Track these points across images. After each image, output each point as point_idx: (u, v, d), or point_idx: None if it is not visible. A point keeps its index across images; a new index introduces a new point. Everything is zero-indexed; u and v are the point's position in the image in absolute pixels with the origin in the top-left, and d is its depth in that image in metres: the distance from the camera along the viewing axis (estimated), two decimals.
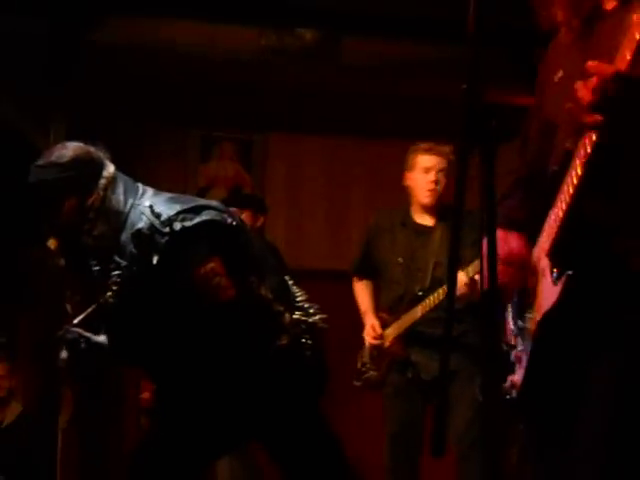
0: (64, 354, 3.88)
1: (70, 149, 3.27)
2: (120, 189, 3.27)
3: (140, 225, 3.17)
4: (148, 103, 6.42)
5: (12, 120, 5.93)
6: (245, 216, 5.23)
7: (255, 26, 6.10)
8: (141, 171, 5.19)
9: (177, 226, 3.14)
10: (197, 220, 3.19)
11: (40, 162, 3.26)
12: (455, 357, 3.88)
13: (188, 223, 3.17)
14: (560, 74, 2.04)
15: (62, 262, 4.59)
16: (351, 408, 6.35)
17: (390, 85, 6.41)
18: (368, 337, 4.87)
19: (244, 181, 6.86)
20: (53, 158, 3.24)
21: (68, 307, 4.45)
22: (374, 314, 4.91)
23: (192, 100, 6.33)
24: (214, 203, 3.40)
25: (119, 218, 3.22)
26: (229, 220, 3.29)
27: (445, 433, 1.64)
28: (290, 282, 3.56)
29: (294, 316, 3.39)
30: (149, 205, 3.25)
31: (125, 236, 3.20)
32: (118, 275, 3.21)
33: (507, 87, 5.07)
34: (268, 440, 3.54)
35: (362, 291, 5.07)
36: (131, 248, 3.19)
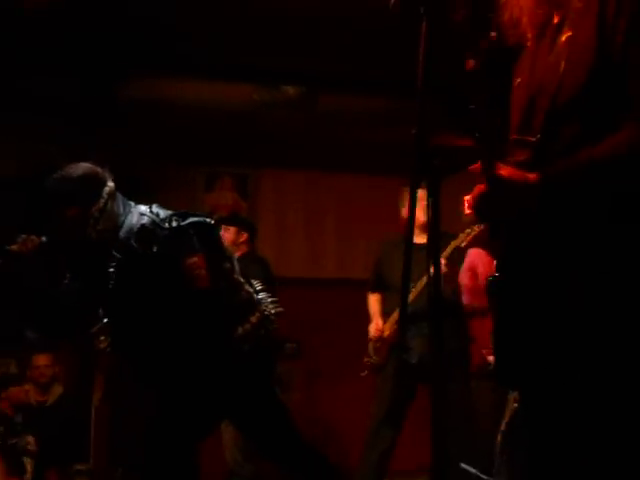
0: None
1: (80, 168, 3.37)
2: (119, 200, 3.36)
3: (143, 221, 3.27)
4: (164, 145, 6.49)
5: (54, 158, 6.10)
6: (232, 231, 5.51)
7: (249, 83, 6.15)
8: (158, 199, 5.42)
9: (174, 223, 3.26)
10: (189, 220, 3.30)
11: (55, 175, 3.35)
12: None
13: (182, 222, 3.28)
14: (519, 80, 1.95)
15: None
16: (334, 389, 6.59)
17: (356, 131, 6.49)
18: (372, 330, 5.02)
19: (240, 208, 6.92)
20: (65, 174, 3.33)
21: (100, 310, 4.75)
22: (380, 316, 5.06)
23: (199, 143, 6.41)
24: (195, 212, 3.52)
25: (118, 219, 3.30)
26: (208, 220, 3.45)
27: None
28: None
29: (259, 296, 3.52)
30: (148, 207, 3.37)
31: (123, 233, 3.27)
32: (116, 265, 3.26)
33: (447, 133, 5.34)
34: (240, 401, 3.48)
35: (373, 301, 5.23)
36: (132, 242, 3.25)
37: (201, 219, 3.42)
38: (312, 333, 6.47)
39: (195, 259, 3.25)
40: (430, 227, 1.72)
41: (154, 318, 3.28)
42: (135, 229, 3.28)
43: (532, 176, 1.66)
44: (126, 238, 3.28)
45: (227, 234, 5.46)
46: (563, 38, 1.75)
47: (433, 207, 1.70)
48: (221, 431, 5.03)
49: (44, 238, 3.39)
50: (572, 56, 1.70)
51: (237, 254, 5.39)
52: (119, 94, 5.93)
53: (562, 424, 1.70)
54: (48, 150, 5.96)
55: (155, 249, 3.24)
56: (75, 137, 5.91)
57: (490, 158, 1.65)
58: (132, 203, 3.44)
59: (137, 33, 5.40)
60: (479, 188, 1.69)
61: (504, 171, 1.66)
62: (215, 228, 3.58)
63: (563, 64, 1.71)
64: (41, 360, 5.58)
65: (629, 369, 1.58)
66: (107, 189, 3.34)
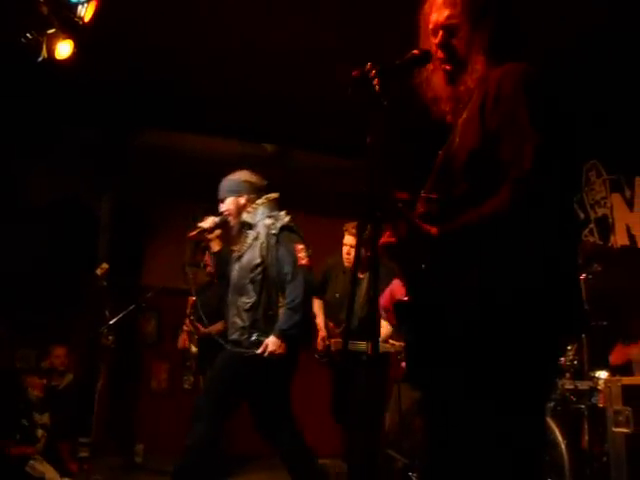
0: None
1: (242, 174, 3.80)
2: (268, 207, 3.69)
3: (267, 222, 3.61)
4: (167, 185, 6.36)
5: (78, 193, 6.07)
6: None
7: (237, 140, 6.25)
8: (162, 228, 5.39)
9: (277, 231, 3.59)
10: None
11: (227, 176, 3.77)
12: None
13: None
14: (440, 152, 1.89)
15: (104, 283, 4.78)
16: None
17: (321, 182, 6.57)
18: (319, 346, 4.75)
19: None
20: (230, 176, 3.78)
21: (107, 313, 4.69)
22: (325, 327, 4.79)
23: (194, 184, 6.21)
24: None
25: (256, 217, 3.65)
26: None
27: (345, 407, 1.57)
28: None
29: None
30: (271, 219, 3.66)
31: (257, 228, 3.61)
32: (247, 245, 3.60)
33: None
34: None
35: (318, 308, 4.91)
36: (254, 234, 3.60)
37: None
38: None
39: None
40: (371, 260, 1.66)
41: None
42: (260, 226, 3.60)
43: (433, 230, 1.65)
44: (254, 231, 3.62)
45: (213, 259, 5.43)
46: (461, 119, 1.78)
47: (373, 245, 1.65)
48: None
49: (218, 219, 3.74)
50: (463, 134, 1.74)
51: None
52: (134, 143, 6.00)
53: (447, 411, 1.71)
54: (74, 185, 5.96)
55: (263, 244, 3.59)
56: (96, 175, 5.92)
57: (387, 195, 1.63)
58: (277, 212, 3.72)
59: (149, 96, 5.49)
60: (385, 238, 1.67)
61: (402, 228, 1.65)
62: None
63: (457, 140, 1.76)
64: (60, 351, 5.49)
65: (495, 372, 1.61)
66: (262, 199, 3.71)
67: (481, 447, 1.61)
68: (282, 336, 3.41)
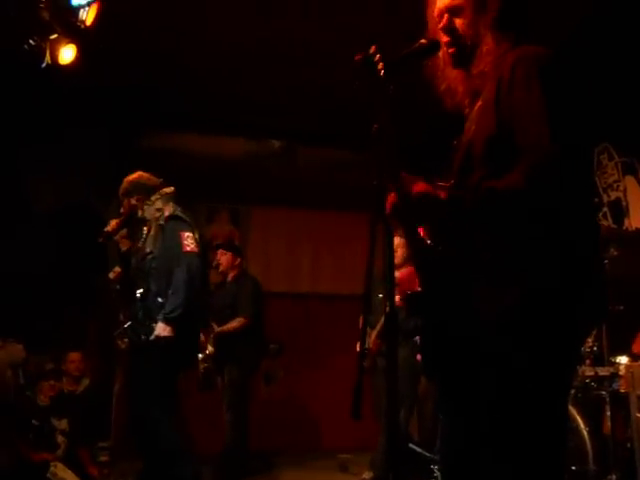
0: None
1: (134, 176, 3.94)
2: (160, 202, 3.82)
3: (156, 215, 3.80)
4: (174, 186, 6.41)
5: (85, 196, 6.04)
6: (229, 255, 5.33)
7: (243, 138, 6.31)
8: None
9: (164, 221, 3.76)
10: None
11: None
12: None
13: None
14: (455, 142, 1.85)
15: (117, 287, 4.77)
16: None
17: (327, 176, 6.53)
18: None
19: (235, 236, 6.74)
20: (126, 178, 3.93)
21: (121, 316, 4.71)
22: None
23: (202, 184, 6.20)
24: None
25: (149, 213, 3.80)
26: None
27: (361, 404, 1.53)
28: None
29: None
30: (159, 212, 3.81)
31: (150, 222, 3.79)
32: (142, 239, 3.78)
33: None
34: None
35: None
36: (147, 228, 3.80)
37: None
38: (290, 336, 6.46)
39: None
40: (385, 257, 1.62)
41: None
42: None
43: (442, 194, 1.63)
44: (149, 226, 3.81)
45: (224, 257, 5.39)
46: (476, 107, 1.75)
47: (387, 239, 1.62)
48: None
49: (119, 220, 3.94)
50: (479, 121, 1.71)
51: (232, 273, 5.38)
52: (140, 145, 5.99)
53: (466, 402, 1.69)
54: (82, 190, 5.95)
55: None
56: (104, 180, 5.83)
57: (395, 176, 1.61)
58: (170, 204, 3.87)
59: (154, 97, 5.48)
60: (391, 197, 1.63)
61: (417, 187, 1.62)
62: None
63: (473, 127, 1.72)
64: (74, 356, 5.45)
65: (510, 360, 1.58)
66: (148, 193, 3.86)
67: (502, 436, 1.59)
68: (165, 320, 3.51)
